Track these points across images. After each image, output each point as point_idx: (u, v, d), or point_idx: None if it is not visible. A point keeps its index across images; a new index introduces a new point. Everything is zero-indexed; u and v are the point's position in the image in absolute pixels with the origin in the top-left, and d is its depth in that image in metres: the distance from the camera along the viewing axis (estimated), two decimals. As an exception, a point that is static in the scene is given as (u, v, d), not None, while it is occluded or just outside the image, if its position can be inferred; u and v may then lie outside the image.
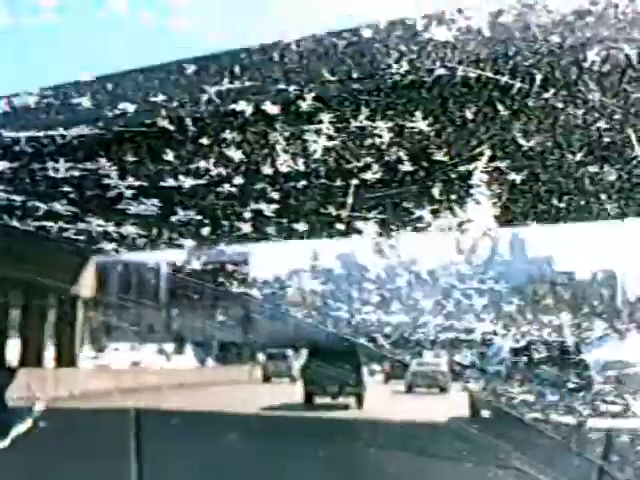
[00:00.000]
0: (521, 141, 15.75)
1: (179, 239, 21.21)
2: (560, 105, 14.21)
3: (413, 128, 14.91)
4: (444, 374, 38.03)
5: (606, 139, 15.37)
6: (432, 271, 27.41)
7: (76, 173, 20.26)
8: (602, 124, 14.38)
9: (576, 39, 13.00)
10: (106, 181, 18.02)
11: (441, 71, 13.82)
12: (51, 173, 20.87)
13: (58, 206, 19.77)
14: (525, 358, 26.91)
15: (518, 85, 13.75)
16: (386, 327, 36.17)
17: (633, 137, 13.20)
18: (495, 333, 27.41)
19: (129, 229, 22.17)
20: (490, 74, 13.75)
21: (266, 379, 42.82)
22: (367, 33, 14.09)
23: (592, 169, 16.56)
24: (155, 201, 17.29)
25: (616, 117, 14.10)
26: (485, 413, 25.02)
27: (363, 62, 15.13)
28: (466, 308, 26.07)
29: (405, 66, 14.14)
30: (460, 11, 13.00)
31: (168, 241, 23.18)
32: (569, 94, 13.88)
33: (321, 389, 28.08)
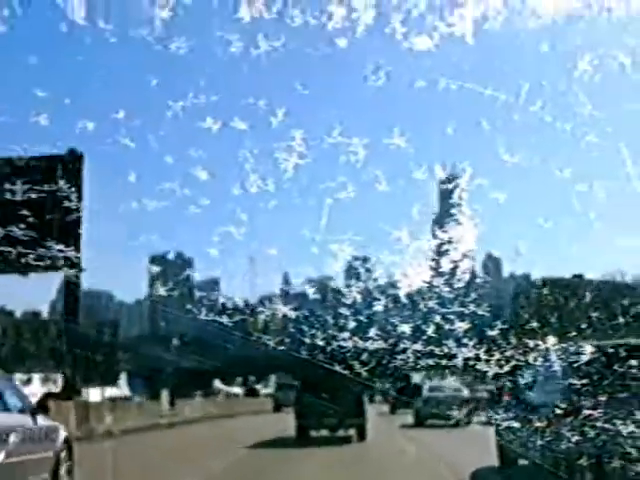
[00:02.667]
0: (505, 157, 15.53)
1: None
2: (548, 118, 13.98)
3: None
4: (464, 403, 33.51)
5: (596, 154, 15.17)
6: (411, 294, 27.18)
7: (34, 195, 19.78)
8: (592, 138, 14.14)
9: (567, 46, 12.73)
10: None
11: (421, 83, 13.54)
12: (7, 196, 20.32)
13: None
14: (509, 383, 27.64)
15: (503, 97, 13.47)
16: (363, 354, 35.69)
17: (625, 152, 12.98)
18: (478, 358, 27.25)
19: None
20: (474, 85, 13.50)
21: (277, 408, 48.68)
22: (342, 43, 13.69)
23: (580, 188, 16.35)
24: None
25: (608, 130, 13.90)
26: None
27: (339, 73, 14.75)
28: (447, 333, 25.85)
29: (383, 78, 13.78)
30: (442, 18, 12.57)
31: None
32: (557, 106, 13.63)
33: (317, 421, 26.48)
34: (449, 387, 34.97)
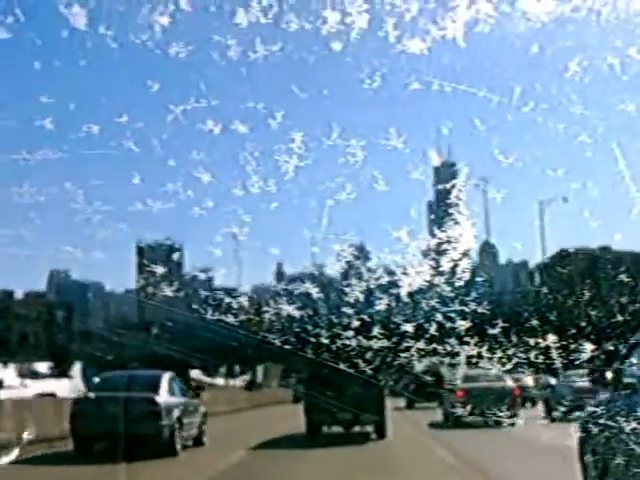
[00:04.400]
0: (500, 157, 15.96)
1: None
2: (540, 119, 14.33)
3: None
4: (509, 396, 27.37)
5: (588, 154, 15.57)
6: (412, 294, 27.76)
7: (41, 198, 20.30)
8: (584, 138, 14.48)
9: (557, 48, 12.97)
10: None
11: (416, 85, 13.88)
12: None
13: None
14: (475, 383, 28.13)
15: (496, 98, 13.79)
16: (367, 352, 36.19)
17: (617, 152, 13.37)
18: (480, 356, 27.79)
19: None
20: (466, 87, 13.85)
21: (296, 400, 49.09)
22: (337, 46, 13.95)
23: (574, 185, 16.78)
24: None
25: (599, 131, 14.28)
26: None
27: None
28: (449, 331, 26.41)
29: (378, 80, 14.09)
30: (434, 21, 12.82)
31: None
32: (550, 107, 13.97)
33: (330, 417, 23.81)
34: (488, 376, 28.39)
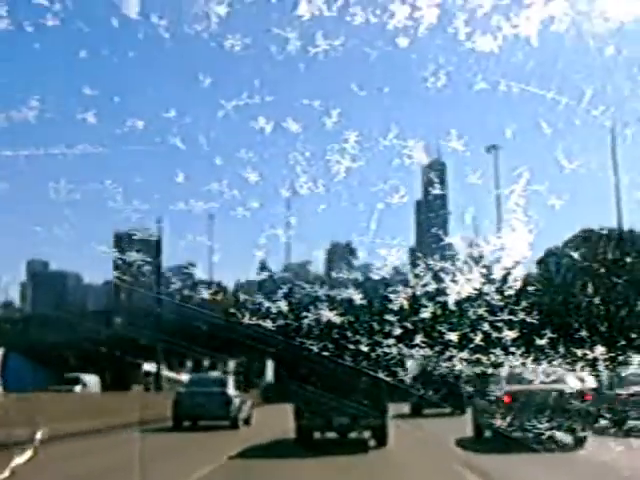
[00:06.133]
0: (564, 162, 15.57)
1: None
2: (608, 123, 13.95)
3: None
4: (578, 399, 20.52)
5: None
6: (459, 302, 27.48)
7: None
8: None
9: (633, 50, 12.61)
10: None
11: (482, 85, 13.56)
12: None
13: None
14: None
15: (565, 100, 13.43)
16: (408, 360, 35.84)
17: None
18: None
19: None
20: (535, 89, 13.52)
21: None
22: (404, 42, 13.51)
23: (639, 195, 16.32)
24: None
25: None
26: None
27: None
28: (495, 341, 26.01)
29: (443, 79, 13.76)
30: (508, 18, 12.34)
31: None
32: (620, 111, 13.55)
33: (323, 422, 21.97)
34: (539, 376, 21.76)
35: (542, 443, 18.20)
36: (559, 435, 18.76)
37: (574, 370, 24.92)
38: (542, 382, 21.52)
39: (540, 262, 52.85)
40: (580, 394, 21.27)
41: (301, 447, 21.14)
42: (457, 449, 21.03)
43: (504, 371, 24.17)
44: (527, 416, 19.95)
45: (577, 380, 22.73)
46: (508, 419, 20.19)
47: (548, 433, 18.81)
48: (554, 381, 21.78)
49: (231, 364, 71.56)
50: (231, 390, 32.16)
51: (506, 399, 21.17)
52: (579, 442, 19.54)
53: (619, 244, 46.99)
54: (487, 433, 22.67)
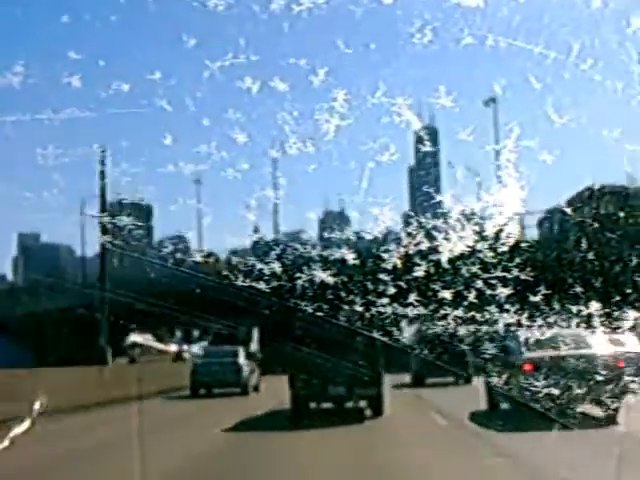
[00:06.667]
0: (554, 117, 15.47)
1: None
2: (598, 77, 13.90)
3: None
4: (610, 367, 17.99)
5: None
6: (453, 260, 27.37)
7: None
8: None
9: (619, 3, 12.53)
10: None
11: (469, 40, 13.46)
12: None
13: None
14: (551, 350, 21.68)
15: (553, 55, 13.34)
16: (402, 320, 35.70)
17: None
18: (520, 324, 27.32)
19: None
20: (523, 43, 13.41)
21: None
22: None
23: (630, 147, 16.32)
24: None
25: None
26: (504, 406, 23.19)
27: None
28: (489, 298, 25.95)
29: (429, 35, 13.66)
30: None
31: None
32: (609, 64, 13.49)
33: (318, 392, 22.28)
34: (566, 338, 18.76)
35: (570, 417, 16.55)
36: (589, 408, 17.15)
37: (616, 329, 21.08)
38: (567, 346, 19.43)
39: (541, 223, 52.75)
40: (614, 359, 19.57)
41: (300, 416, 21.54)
42: (473, 425, 19.62)
43: (522, 333, 21.98)
44: (552, 386, 18.26)
45: (611, 344, 20.56)
46: (529, 390, 18.48)
47: (577, 406, 17.09)
48: (581, 346, 19.59)
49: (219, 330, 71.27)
50: (242, 359, 39.36)
51: (527, 367, 19.68)
52: (612, 416, 17.71)
53: (620, 199, 46.84)
54: (504, 405, 21.40)
